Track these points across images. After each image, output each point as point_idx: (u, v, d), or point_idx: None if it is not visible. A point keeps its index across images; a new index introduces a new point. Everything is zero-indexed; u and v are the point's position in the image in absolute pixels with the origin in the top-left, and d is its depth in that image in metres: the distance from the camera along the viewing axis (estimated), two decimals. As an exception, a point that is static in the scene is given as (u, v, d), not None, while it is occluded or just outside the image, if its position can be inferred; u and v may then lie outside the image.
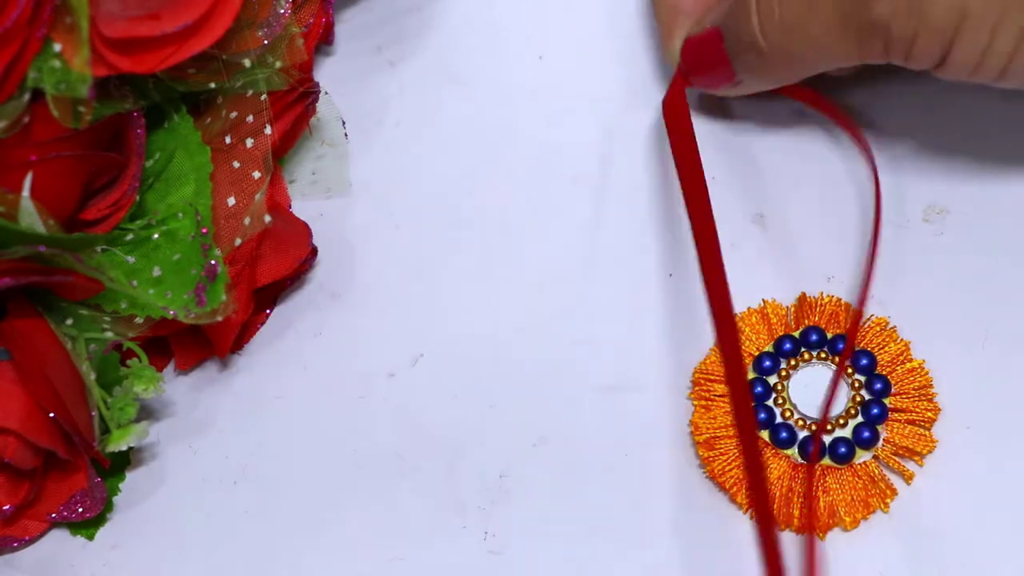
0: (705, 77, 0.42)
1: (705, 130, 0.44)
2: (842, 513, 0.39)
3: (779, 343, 0.41)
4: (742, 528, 0.39)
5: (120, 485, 0.40)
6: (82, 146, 0.37)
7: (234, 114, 0.39)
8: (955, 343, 0.41)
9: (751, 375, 0.40)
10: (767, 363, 0.40)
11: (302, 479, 0.41)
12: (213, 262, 0.37)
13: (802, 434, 0.39)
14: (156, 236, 0.38)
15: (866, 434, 0.39)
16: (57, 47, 0.36)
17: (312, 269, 0.43)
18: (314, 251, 0.42)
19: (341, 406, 0.42)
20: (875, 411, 0.40)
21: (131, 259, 0.37)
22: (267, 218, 0.38)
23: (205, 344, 0.41)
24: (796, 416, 0.40)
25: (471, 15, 0.47)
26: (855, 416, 0.40)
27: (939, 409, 0.40)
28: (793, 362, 0.41)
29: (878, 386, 0.40)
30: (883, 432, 0.40)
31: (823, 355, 0.41)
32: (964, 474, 0.39)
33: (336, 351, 0.42)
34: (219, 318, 0.37)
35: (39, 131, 0.36)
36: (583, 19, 0.47)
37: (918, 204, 0.43)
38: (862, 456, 0.39)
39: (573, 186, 0.44)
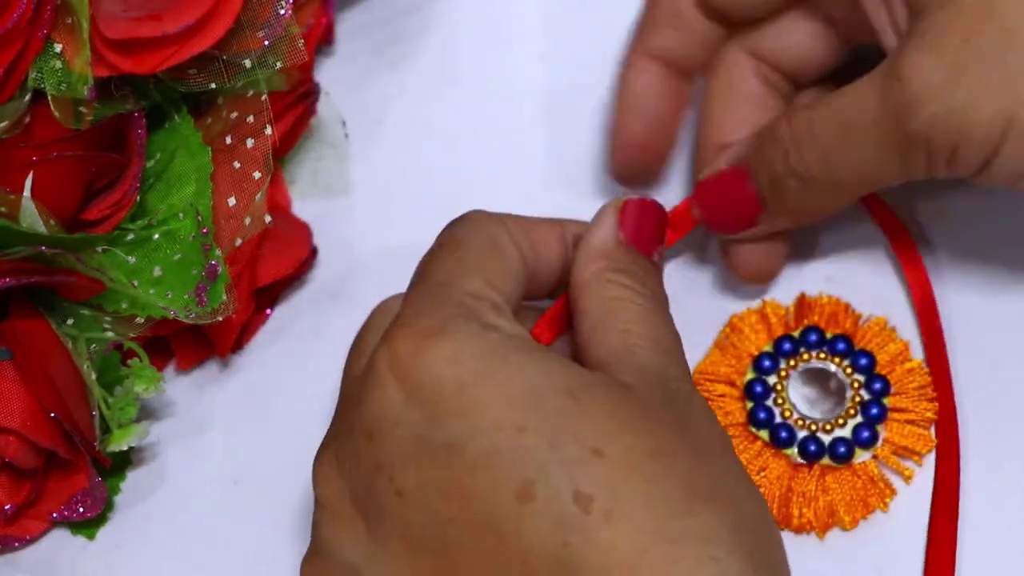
0: (723, 219, 0.40)
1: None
2: (842, 513, 0.39)
3: (778, 343, 0.41)
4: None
5: (121, 485, 0.40)
6: (83, 147, 0.37)
7: (235, 114, 0.39)
8: (955, 343, 0.41)
9: (750, 375, 0.40)
10: (767, 363, 0.40)
11: (303, 479, 0.40)
12: (214, 262, 0.37)
13: (801, 434, 0.40)
14: (157, 236, 0.38)
15: (865, 434, 0.39)
16: (58, 47, 0.36)
17: (312, 269, 0.43)
18: (314, 251, 0.42)
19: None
20: (874, 411, 0.40)
21: (132, 259, 0.37)
22: (267, 218, 0.38)
23: (206, 344, 0.41)
24: (795, 416, 0.40)
25: (471, 15, 0.47)
26: (854, 416, 0.40)
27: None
28: (793, 362, 0.41)
29: (877, 386, 0.40)
30: (882, 432, 0.40)
31: (822, 355, 0.41)
32: (964, 474, 0.39)
33: (336, 351, 0.42)
34: (219, 318, 0.37)
35: (40, 131, 0.37)
36: (583, 19, 0.46)
37: (917, 204, 0.43)
38: (861, 456, 0.39)
39: (573, 186, 0.44)
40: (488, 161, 0.45)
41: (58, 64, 0.36)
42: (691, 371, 0.41)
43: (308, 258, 0.42)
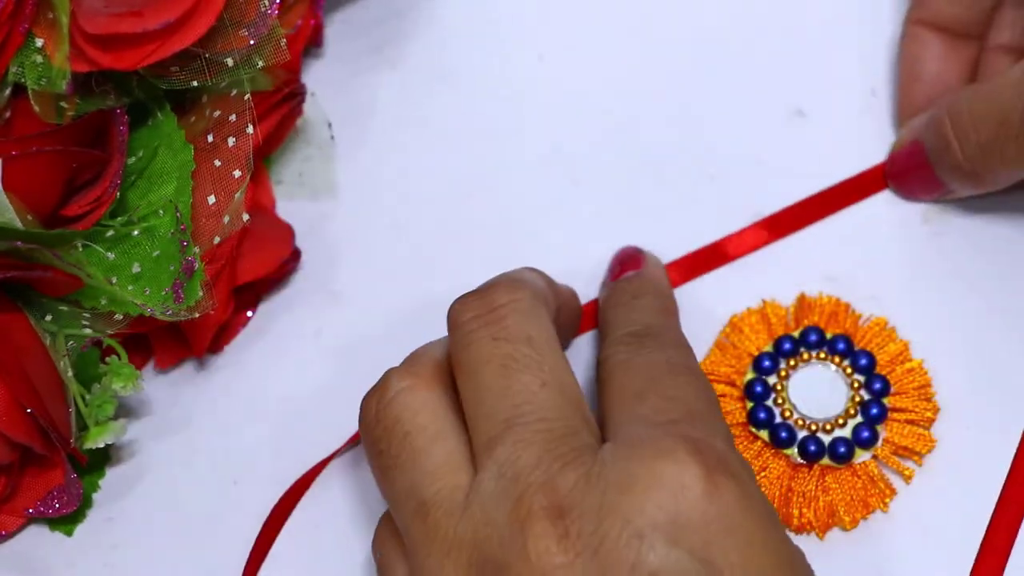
0: (912, 187, 0.42)
1: (707, 133, 0.44)
2: (842, 513, 0.38)
3: (779, 343, 0.40)
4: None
5: (100, 482, 0.40)
6: (64, 142, 0.37)
7: (217, 113, 0.39)
8: (955, 343, 0.41)
9: (750, 375, 0.40)
10: (767, 363, 0.40)
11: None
12: (190, 258, 0.37)
13: (801, 434, 0.39)
14: (136, 233, 0.37)
15: (865, 434, 0.39)
16: (39, 42, 0.36)
17: (296, 271, 0.43)
18: (297, 252, 0.42)
19: (341, 406, 0.41)
20: (874, 411, 0.39)
21: (111, 256, 0.37)
22: (246, 216, 0.38)
23: (185, 343, 0.40)
24: (796, 416, 0.39)
25: (470, 15, 0.47)
26: (854, 416, 0.39)
27: (939, 409, 0.39)
28: (793, 362, 0.40)
29: (877, 386, 0.39)
30: (882, 432, 0.39)
31: (822, 355, 0.40)
32: (964, 474, 0.39)
33: (336, 351, 0.42)
34: (196, 315, 0.36)
35: (20, 126, 0.36)
36: (583, 19, 0.46)
37: (918, 204, 0.43)
38: (861, 456, 0.39)
39: (573, 186, 0.44)
40: (488, 161, 0.44)
41: (39, 59, 0.36)
42: None
43: (290, 259, 0.42)
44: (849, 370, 0.40)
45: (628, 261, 0.41)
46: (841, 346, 0.40)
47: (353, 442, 0.40)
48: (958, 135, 0.39)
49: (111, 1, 0.36)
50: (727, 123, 0.44)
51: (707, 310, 0.42)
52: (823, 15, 0.46)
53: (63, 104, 0.36)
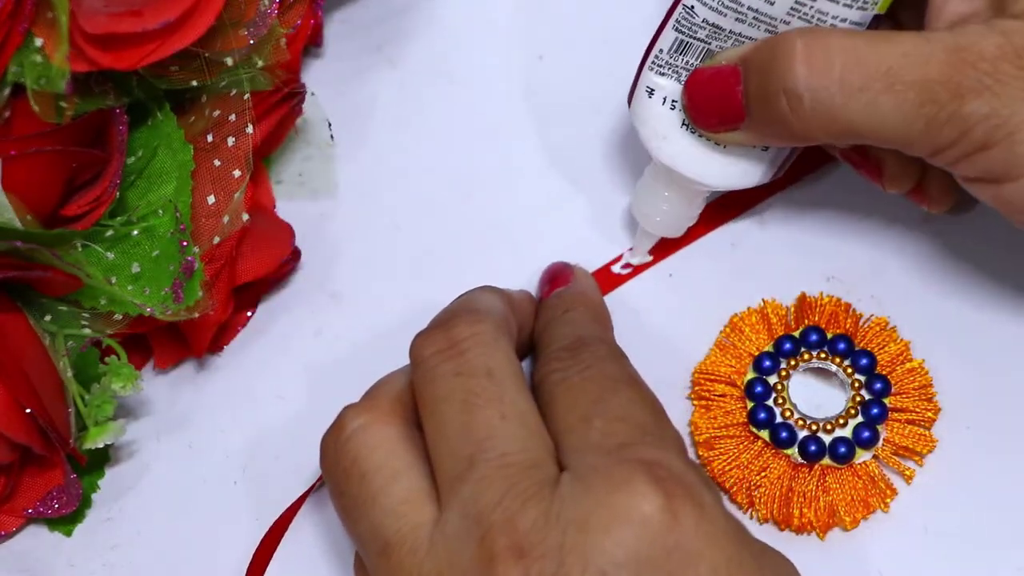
0: (705, 113, 0.38)
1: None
2: (842, 513, 0.38)
3: (779, 343, 0.40)
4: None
5: (99, 483, 0.40)
6: (63, 142, 0.37)
7: (217, 113, 0.39)
8: (955, 343, 0.41)
9: (751, 375, 0.40)
10: (767, 363, 0.40)
11: (302, 479, 0.40)
12: (190, 258, 0.37)
13: (802, 434, 0.39)
14: (136, 233, 0.37)
15: (866, 434, 0.39)
16: (39, 42, 0.36)
17: (296, 271, 0.43)
18: (297, 252, 0.42)
19: (341, 406, 0.41)
20: (875, 411, 0.39)
21: (110, 255, 0.37)
22: (245, 216, 0.38)
23: (185, 343, 0.40)
24: (796, 416, 0.39)
25: (471, 15, 0.47)
26: (855, 416, 0.39)
27: (939, 409, 0.39)
28: (793, 362, 0.40)
29: (878, 386, 0.39)
30: (883, 432, 0.39)
31: (823, 355, 0.40)
32: (964, 474, 0.39)
33: (336, 351, 0.42)
34: (196, 315, 0.36)
35: (20, 126, 0.36)
36: (583, 19, 0.46)
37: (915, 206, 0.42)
38: (862, 456, 0.39)
39: (573, 186, 0.44)
40: (488, 161, 0.44)
41: (38, 58, 0.36)
42: (691, 371, 0.41)
43: (290, 258, 0.42)
44: (850, 370, 0.40)
45: (557, 277, 0.41)
46: (842, 346, 0.40)
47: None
48: (812, 60, 0.35)
49: (111, 1, 0.36)
50: (727, 123, 0.44)
51: (707, 310, 0.42)
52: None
53: (62, 104, 0.36)
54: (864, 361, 0.40)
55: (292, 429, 0.41)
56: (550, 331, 0.38)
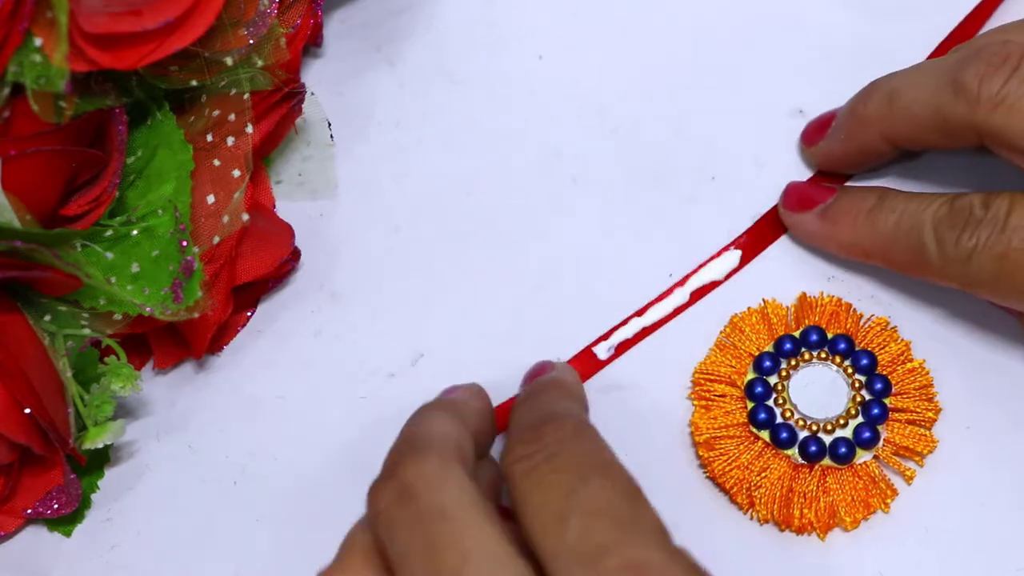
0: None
1: (708, 133, 0.44)
2: (842, 513, 0.38)
3: (779, 343, 0.40)
4: (742, 528, 0.39)
5: (99, 483, 0.40)
6: (63, 142, 0.37)
7: (216, 112, 0.39)
8: (955, 343, 0.40)
9: (751, 375, 0.40)
10: (767, 363, 0.40)
11: (302, 479, 0.40)
12: (189, 258, 0.37)
13: (802, 434, 0.39)
14: (135, 232, 0.37)
15: (866, 434, 0.38)
16: (38, 41, 0.36)
17: (295, 271, 0.43)
18: (296, 252, 0.42)
19: (341, 406, 0.41)
20: (875, 411, 0.39)
21: (110, 255, 0.37)
22: (245, 216, 0.38)
23: (184, 343, 0.40)
24: (796, 416, 0.39)
25: (470, 15, 0.47)
26: (855, 416, 0.39)
27: (940, 409, 0.39)
28: (793, 362, 0.40)
29: (878, 386, 0.39)
30: (883, 432, 0.39)
31: (823, 355, 0.40)
32: (964, 474, 0.39)
33: (336, 351, 0.42)
34: (196, 315, 0.36)
35: (19, 126, 0.36)
36: (583, 19, 0.46)
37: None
38: (862, 456, 0.39)
39: (573, 186, 0.44)
40: (488, 161, 0.44)
41: (37, 58, 0.35)
42: (691, 371, 0.41)
43: (290, 258, 0.42)
44: (850, 370, 0.40)
45: (537, 372, 0.40)
46: (842, 346, 0.40)
47: None
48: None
49: (110, 1, 0.36)
50: (727, 123, 0.44)
51: (708, 310, 0.42)
52: (823, 15, 0.46)
53: (62, 103, 0.36)
54: (865, 361, 0.40)
55: (292, 429, 0.41)
56: (516, 412, 0.37)
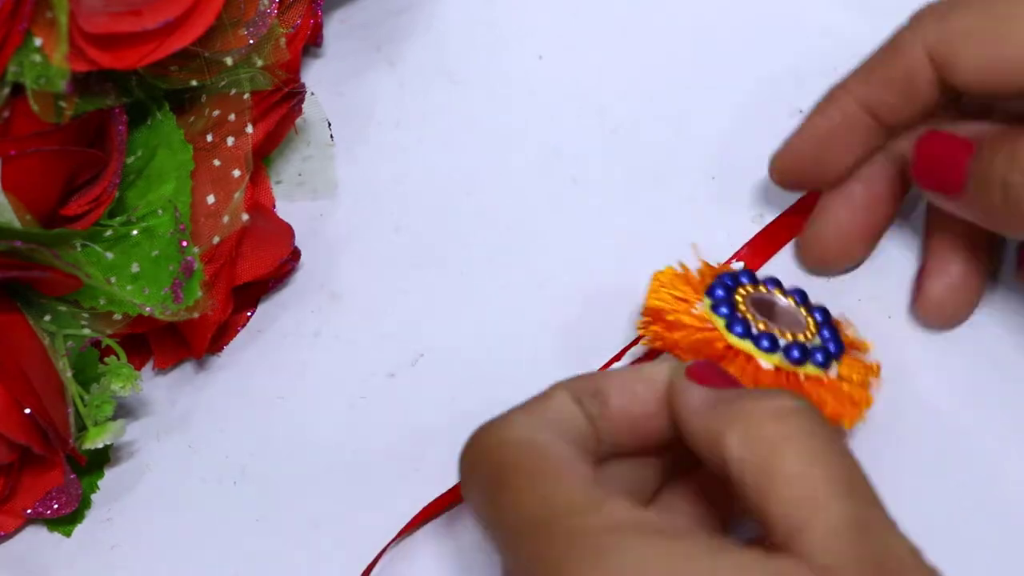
0: (927, 171, 0.39)
1: (708, 133, 0.44)
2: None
3: (719, 280, 0.38)
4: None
5: (99, 483, 0.40)
6: (63, 142, 0.37)
7: (216, 112, 0.39)
8: (956, 343, 0.40)
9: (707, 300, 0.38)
10: (719, 292, 0.38)
11: (302, 479, 0.40)
12: (189, 258, 0.37)
13: (782, 341, 0.37)
14: (135, 233, 0.37)
15: (833, 347, 0.37)
16: (38, 41, 0.36)
17: (296, 271, 0.43)
18: (296, 252, 0.42)
19: (341, 406, 0.41)
20: (827, 333, 0.38)
21: (110, 255, 0.37)
22: (245, 216, 0.38)
23: (184, 343, 0.40)
24: (772, 327, 0.37)
25: (470, 14, 0.47)
26: (817, 333, 0.38)
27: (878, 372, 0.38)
28: (743, 291, 0.38)
29: (819, 317, 0.38)
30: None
31: (763, 288, 0.39)
32: (964, 474, 0.39)
33: (336, 351, 0.42)
34: (196, 315, 0.36)
35: (19, 125, 0.36)
36: (583, 19, 0.46)
37: (919, 204, 0.42)
38: (833, 369, 0.37)
39: (573, 186, 0.44)
40: (488, 161, 0.44)
41: (37, 58, 0.36)
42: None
43: (290, 259, 0.42)
44: (804, 310, 0.39)
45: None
46: (797, 297, 0.39)
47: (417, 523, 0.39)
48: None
49: (110, 0, 0.36)
50: (727, 123, 0.44)
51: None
52: (823, 15, 0.46)
53: (62, 103, 0.36)
54: (818, 314, 0.39)
55: (292, 429, 0.41)
56: None
